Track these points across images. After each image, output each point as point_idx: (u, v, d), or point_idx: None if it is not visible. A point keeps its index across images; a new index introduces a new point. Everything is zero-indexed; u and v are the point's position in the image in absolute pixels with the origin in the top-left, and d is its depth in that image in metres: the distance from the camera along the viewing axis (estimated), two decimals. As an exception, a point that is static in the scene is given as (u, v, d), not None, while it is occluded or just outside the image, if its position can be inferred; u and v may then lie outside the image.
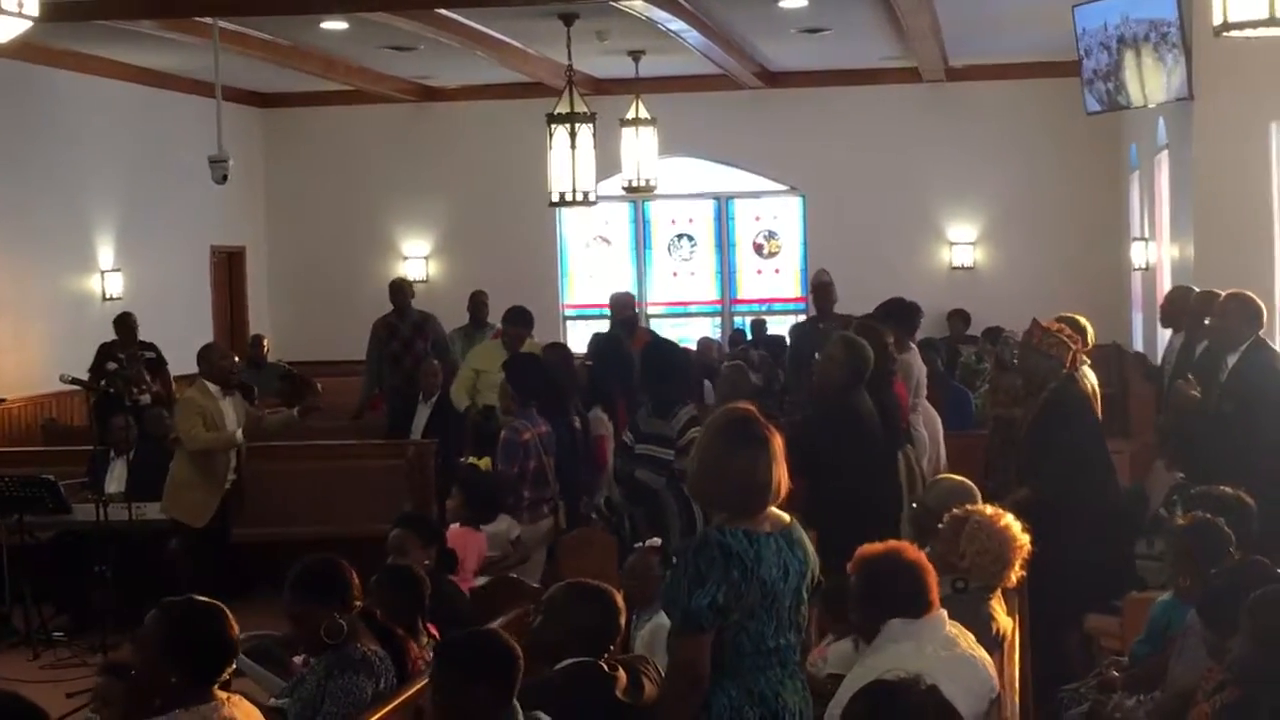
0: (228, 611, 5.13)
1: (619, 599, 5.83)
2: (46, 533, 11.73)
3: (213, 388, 11.18)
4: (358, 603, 6.09)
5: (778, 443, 4.98)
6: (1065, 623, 8.39)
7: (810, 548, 5.12)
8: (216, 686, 5.00)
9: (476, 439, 11.70)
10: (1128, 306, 18.82)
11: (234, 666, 5.11)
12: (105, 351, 14.63)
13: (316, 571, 6.09)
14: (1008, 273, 20.18)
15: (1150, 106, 14.10)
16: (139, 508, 11.28)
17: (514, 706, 5.03)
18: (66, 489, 11.93)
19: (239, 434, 11.16)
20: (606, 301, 20.94)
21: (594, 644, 5.59)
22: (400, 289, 15.18)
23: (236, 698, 5.08)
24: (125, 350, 14.57)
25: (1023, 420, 9.16)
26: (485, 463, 10.19)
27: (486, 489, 9.52)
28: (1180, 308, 11.13)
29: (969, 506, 6.58)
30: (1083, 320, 9.37)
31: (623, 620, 5.84)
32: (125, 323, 14.92)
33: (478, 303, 15.09)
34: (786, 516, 5.07)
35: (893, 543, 5.71)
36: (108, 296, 17.39)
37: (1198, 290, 10.93)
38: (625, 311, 14.22)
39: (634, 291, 20.96)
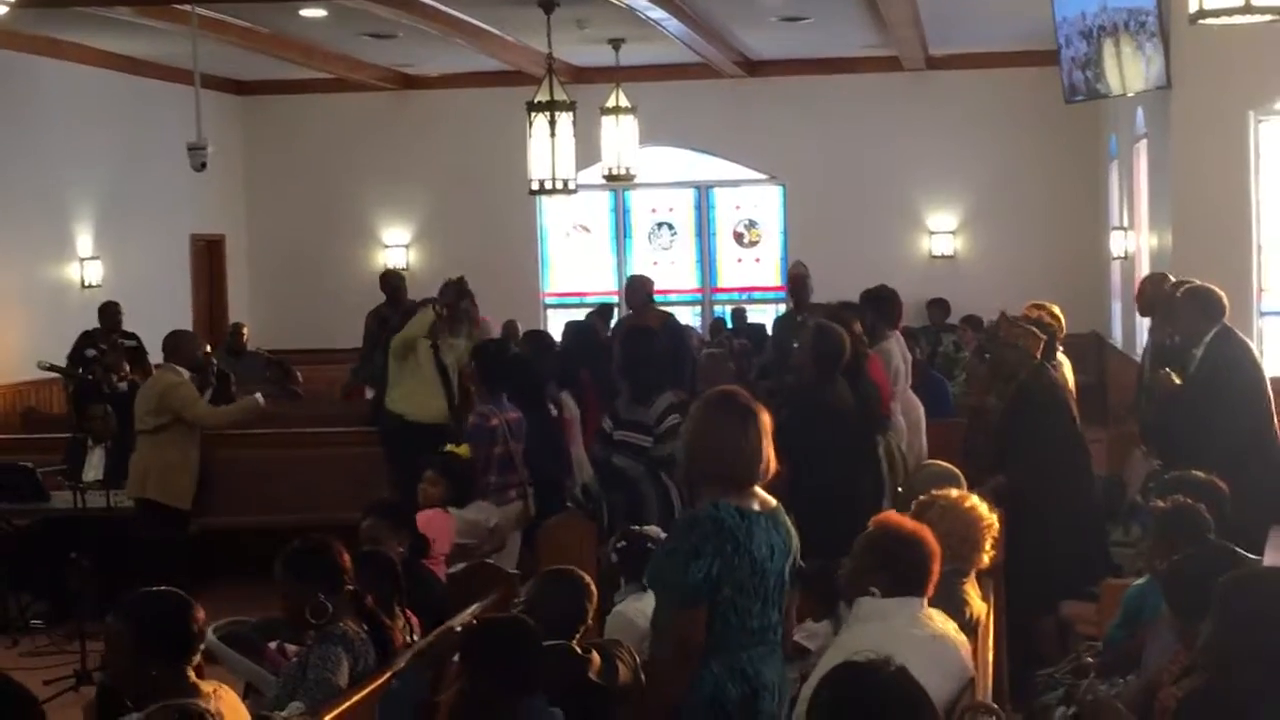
0: (188, 600, 5.14)
1: (589, 582, 5.86)
2: (24, 520, 11.71)
3: (184, 372, 11.16)
4: (348, 586, 6.11)
5: (765, 418, 5.11)
6: (1041, 609, 8.43)
7: (793, 531, 5.22)
8: (193, 674, 5.01)
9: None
10: (1107, 295, 18.87)
11: (202, 649, 5.12)
12: (86, 339, 14.61)
13: (307, 551, 6.12)
14: (988, 261, 20.22)
15: (1129, 95, 14.14)
16: (117, 495, 11.24)
17: (538, 696, 5.07)
18: (44, 476, 11.91)
19: (260, 397, 11.37)
20: (588, 289, 21.14)
21: (563, 627, 5.61)
22: (390, 279, 15.20)
23: (223, 689, 5.09)
24: (107, 339, 14.54)
25: (995, 409, 9.19)
26: (464, 450, 10.19)
27: (463, 474, 9.52)
28: (1154, 295, 11.16)
29: (934, 491, 6.60)
30: (1055, 308, 9.39)
31: (592, 604, 5.87)
32: (108, 311, 14.90)
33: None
34: (773, 500, 5.17)
35: (920, 524, 5.78)
36: (87, 284, 17.36)
37: (1173, 279, 10.96)
38: (638, 296, 14.07)
39: (614, 280, 21.01)
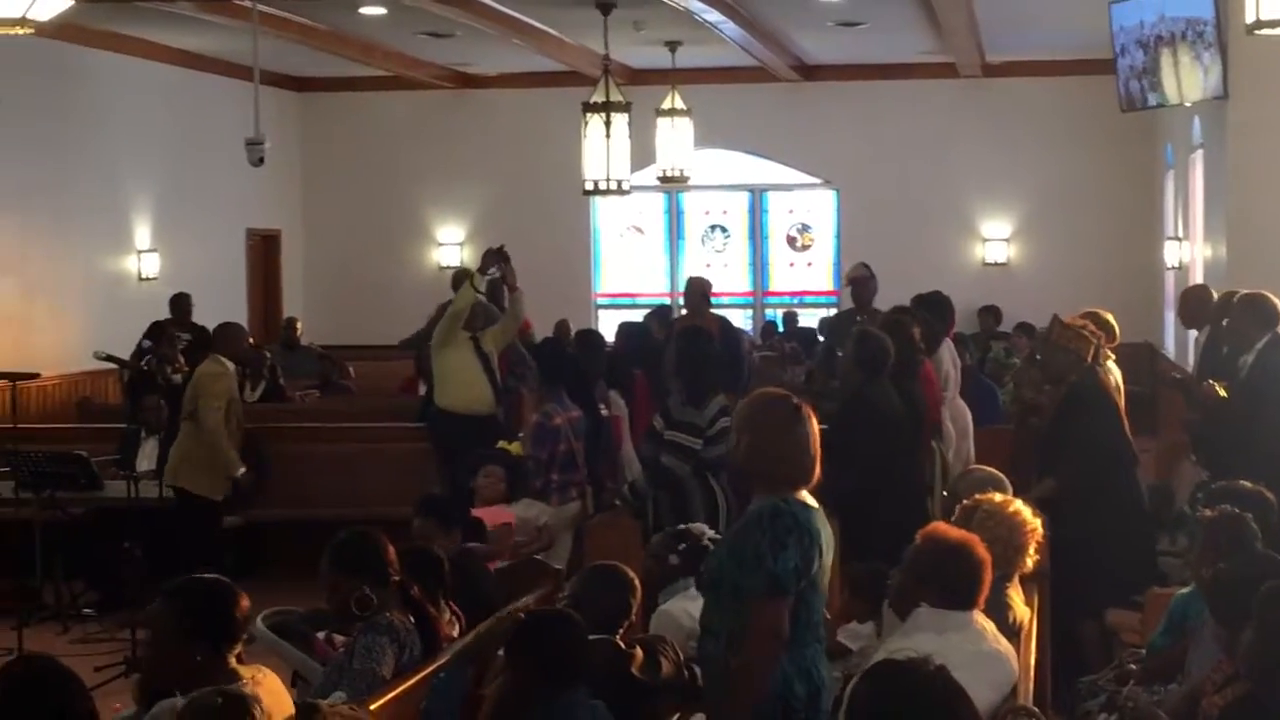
0: (231, 587, 5.20)
1: (633, 578, 5.91)
2: (78, 509, 11.82)
3: (230, 365, 11.29)
4: (395, 577, 6.16)
5: (815, 423, 5.18)
6: (1085, 615, 8.42)
7: (830, 529, 5.28)
8: (234, 659, 5.07)
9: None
10: (1160, 305, 18.78)
11: (245, 638, 5.17)
12: (156, 329, 14.80)
13: (352, 543, 6.18)
14: (1041, 270, 20.16)
15: (1186, 105, 14.08)
16: (169, 486, 11.33)
17: (580, 690, 5.11)
18: (98, 465, 12.03)
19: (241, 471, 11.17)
20: (640, 290, 21.17)
21: (607, 621, 5.65)
22: (461, 277, 15.25)
23: (262, 673, 5.13)
24: (179, 329, 14.70)
25: (1044, 413, 9.19)
26: (515, 447, 10.25)
27: (516, 470, 9.63)
28: (1194, 308, 11.14)
29: (977, 495, 6.61)
30: (1108, 316, 9.38)
31: (636, 599, 5.91)
32: (179, 303, 15.07)
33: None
34: (814, 501, 5.23)
35: (968, 534, 5.82)
36: (144, 277, 17.51)
37: (1217, 291, 10.95)
38: (695, 297, 14.09)
39: (666, 282, 21.04)
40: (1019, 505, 6.49)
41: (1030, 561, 6.41)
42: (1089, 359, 8.85)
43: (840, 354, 10.69)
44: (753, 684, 5.09)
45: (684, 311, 14.17)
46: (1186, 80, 13.44)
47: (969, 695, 3.99)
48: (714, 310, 14.30)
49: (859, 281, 13.72)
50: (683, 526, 7.43)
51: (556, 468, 10.06)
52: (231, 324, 11.82)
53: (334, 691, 5.80)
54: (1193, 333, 12.01)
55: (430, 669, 5.92)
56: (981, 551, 5.69)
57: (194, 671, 4.98)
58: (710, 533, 7.26)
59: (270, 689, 5.10)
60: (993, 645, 5.51)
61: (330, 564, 6.13)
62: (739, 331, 15.49)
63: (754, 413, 5.28)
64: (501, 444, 10.46)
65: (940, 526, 5.93)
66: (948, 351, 11.24)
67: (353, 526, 6.38)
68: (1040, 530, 6.43)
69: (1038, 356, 9.97)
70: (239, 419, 11.35)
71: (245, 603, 5.17)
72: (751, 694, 5.08)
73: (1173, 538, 9.51)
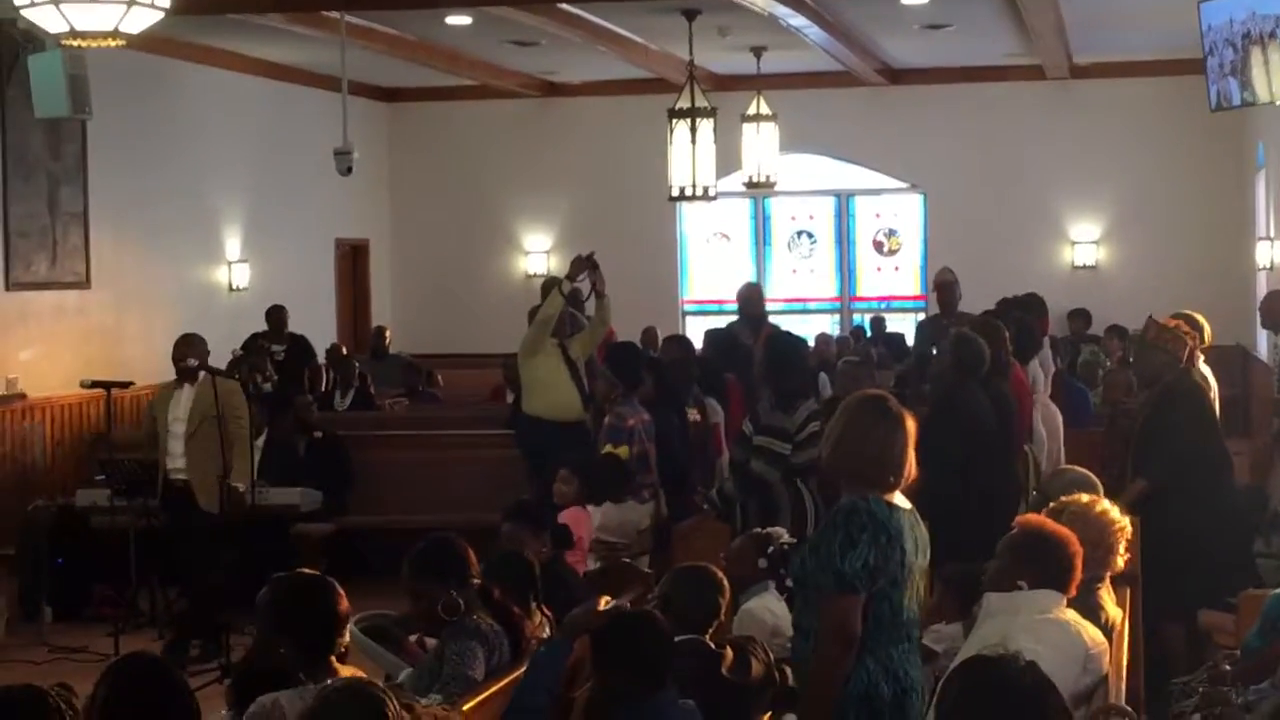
0: (334, 585, 5.25)
1: (721, 578, 5.93)
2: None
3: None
4: (475, 580, 6.20)
5: (910, 424, 5.18)
6: (1173, 618, 8.36)
7: (925, 531, 5.30)
8: (334, 660, 5.11)
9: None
10: (1251, 307, 18.51)
11: (346, 639, 5.22)
12: (254, 340, 15.00)
13: (435, 550, 6.22)
14: (1130, 272, 20.00)
15: (1277, 104, 13.92)
16: (262, 492, 11.43)
17: (670, 690, 5.13)
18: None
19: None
20: (727, 297, 21.15)
21: (696, 621, 5.66)
22: (551, 286, 15.32)
23: (358, 676, 5.17)
24: (275, 341, 14.87)
25: (1137, 414, 9.13)
26: (624, 451, 10.28)
27: (607, 472, 9.69)
28: (1277, 309, 11.05)
29: (1064, 498, 6.58)
30: (1200, 318, 9.31)
31: (724, 599, 5.93)
32: (275, 315, 15.26)
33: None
34: (907, 503, 5.25)
35: (1066, 529, 5.85)
36: (234, 287, 17.68)
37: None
38: (750, 307, 14.15)
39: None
40: (1106, 505, 6.46)
41: (1121, 561, 6.37)
42: (1183, 360, 8.79)
43: (933, 357, 10.67)
44: (821, 681, 5.10)
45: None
46: (1278, 78, 13.30)
47: (1057, 688, 3.99)
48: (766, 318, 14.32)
49: (944, 286, 13.70)
50: (763, 530, 7.44)
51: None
52: (192, 335, 11.54)
53: (429, 694, 5.84)
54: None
55: (519, 671, 5.96)
56: (1076, 542, 5.73)
57: (288, 666, 5.05)
58: (786, 535, 7.28)
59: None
60: (1059, 616, 5.53)
61: (411, 572, 6.17)
62: (816, 335, 15.44)
63: (844, 409, 5.30)
64: (609, 448, 10.44)
65: (1034, 516, 6.01)
66: (1045, 353, 11.22)
67: (432, 534, 6.41)
68: (1129, 529, 6.40)
69: (1130, 359, 9.91)
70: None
71: (344, 603, 5.23)
72: (821, 691, 5.09)
73: (1267, 540, 9.43)
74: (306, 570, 5.42)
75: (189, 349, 11.11)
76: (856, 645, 5.04)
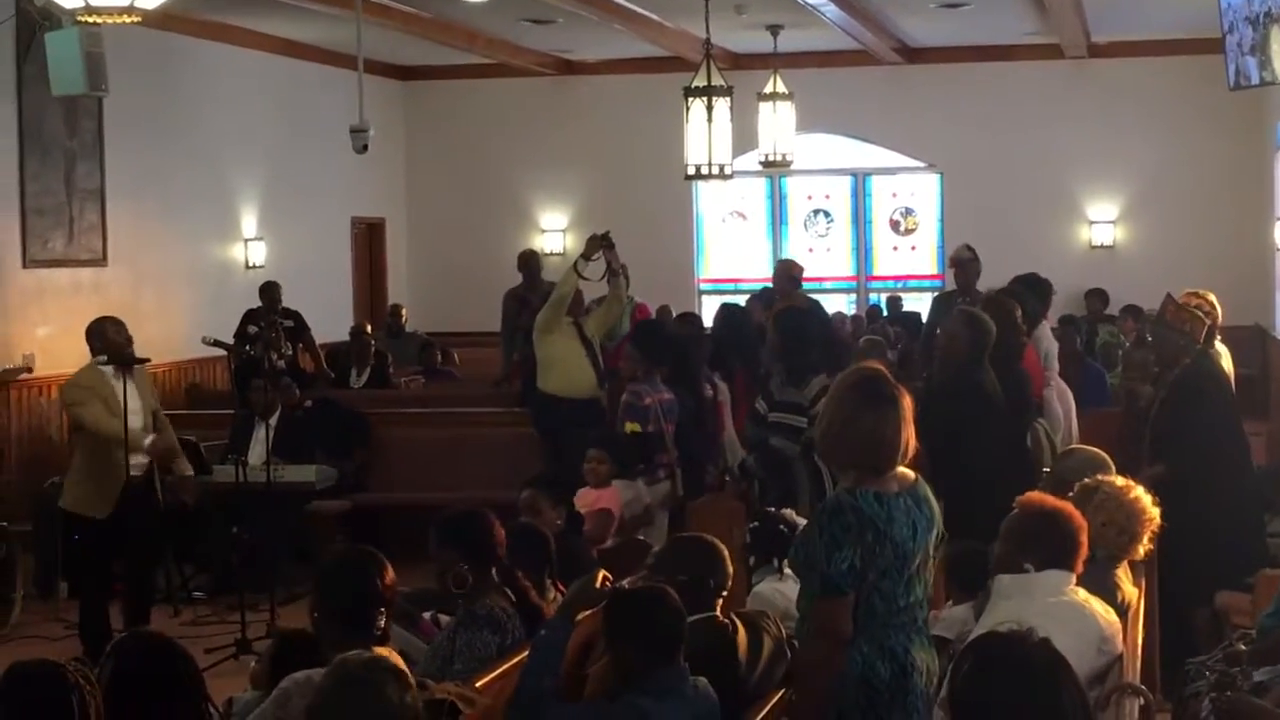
0: (377, 560, 5.34)
1: (720, 547, 5.90)
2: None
3: (107, 369, 9.93)
4: (500, 558, 6.18)
5: (907, 403, 5.07)
6: (1196, 599, 8.34)
7: (935, 504, 5.19)
8: (375, 637, 5.17)
9: None
10: (1270, 287, 18.53)
11: (383, 616, 5.25)
12: (249, 318, 14.97)
13: (456, 520, 6.23)
14: (1148, 252, 19.95)
15: (1296, 83, 13.87)
16: (278, 471, 11.44)
17: (680, 665, 5.12)
18: (208, 451, 12.19)
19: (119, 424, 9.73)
20: (743, 276, 21.14)
21: (694, 590, 5.64)
22: (529, 260, 15.31)
23: (387, 653, 5.18)
24: (266, 317, 14.84)
25: (1154, 397, 9.09)
26: (634, 426, 10.29)
27: (629, 449, 9.71)
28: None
29: (1100, 476, 6.54)
30: (1211, 297, 9.28)
31: (725, 566, 5.89)
32: (268, 291, 15.25)
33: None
34: (912, 474, 5.14)
35: (1061, 501, 5.83)
36: (250, 265, 17.70)
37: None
38: (782, 282, 14.10)
39: (769, 267, 20.96)
40: (1140, 492, 6.41)
41: (1143, 549, 6.36)
42: (1201, 340, 8.75)
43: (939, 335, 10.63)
44: (810, 677, 5.08)
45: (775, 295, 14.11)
46: (1297, 58, 13.23)
47: (1071, 666, 3.98)
48: (805, 293, 14.27)
49: (962, 263, 13.65)
50: (769, 509, 7.44)
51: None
52: (105, 319, 10.32)
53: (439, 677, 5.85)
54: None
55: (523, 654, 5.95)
56: (1078, 516, 5.67)
57: (324, 639, 5.22)
58: (794, 518, 7.27)
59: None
60: (1081, 598, 5.51)
61: (436, 539, 6.18)
62: (831, 315, 15.43)
63: (835, 389, 5.21)
64: (629, 427, 10.44)
65: (1034, 495, 5.94)
66: (1046, 331, 11.18)
67: (463, 507, 6.42)
68: (1157, 520, 6.36)
69: (1147, 338, 9.87)
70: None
71: (388, 577, 5.36)
72: (810, 685, 5.07)
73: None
74: (357, 547, 5.47)
75: (126, 332, 10.18)
76: (846, 644, 4.97)
